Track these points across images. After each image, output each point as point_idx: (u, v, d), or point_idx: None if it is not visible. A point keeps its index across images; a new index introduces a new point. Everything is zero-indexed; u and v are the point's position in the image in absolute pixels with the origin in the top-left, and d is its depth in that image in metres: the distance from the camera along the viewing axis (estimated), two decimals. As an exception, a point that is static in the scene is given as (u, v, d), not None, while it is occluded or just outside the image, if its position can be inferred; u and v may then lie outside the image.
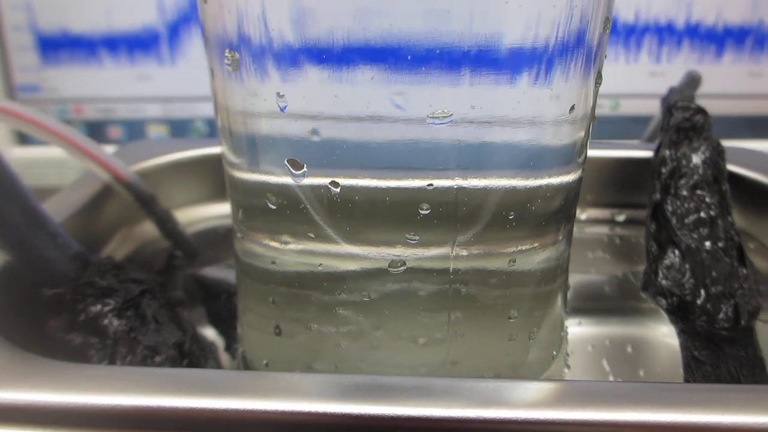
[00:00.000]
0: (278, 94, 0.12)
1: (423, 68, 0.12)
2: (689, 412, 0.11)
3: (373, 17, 0.12)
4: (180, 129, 0.34)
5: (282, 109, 0.12)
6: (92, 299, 0.15)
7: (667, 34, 0.34)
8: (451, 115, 0.12)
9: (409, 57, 0.12)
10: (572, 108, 0.14)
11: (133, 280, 0.16)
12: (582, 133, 0.15)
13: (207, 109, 0.34)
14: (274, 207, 0.14)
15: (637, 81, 0.35)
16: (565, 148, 0.14)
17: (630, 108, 0.35)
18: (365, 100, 0.12)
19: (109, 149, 0.34)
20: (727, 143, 0.36)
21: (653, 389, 0.11)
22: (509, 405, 0.11)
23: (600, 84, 0.15)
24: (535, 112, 0.13)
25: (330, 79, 0.12)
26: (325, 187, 0.13)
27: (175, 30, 0.33)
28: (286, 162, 0.13)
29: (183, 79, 0.33)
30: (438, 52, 0.12)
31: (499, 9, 0.11)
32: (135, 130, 0.34)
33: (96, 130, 0.35)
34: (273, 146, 0.13)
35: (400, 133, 0.13)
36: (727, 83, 0.35)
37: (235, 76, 0.13)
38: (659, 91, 0.34)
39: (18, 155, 0.34)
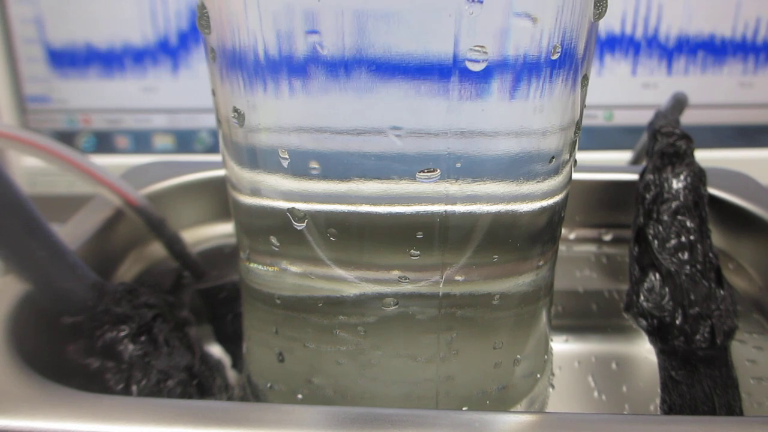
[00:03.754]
0: (280, 151, 0.13)
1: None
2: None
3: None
4: (185, 139, 0.35)
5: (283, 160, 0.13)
6: (108, 326, 0.16)
7: (659, 46, 0.35)
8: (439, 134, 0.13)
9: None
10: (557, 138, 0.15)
11: (146, 304, 0.17)
12: (563, 159, 0.15)
13: (211, 121, 0.35)
14: (275, 242, 0.15)
15: (630, 92, 0.36)
16: (547, 173, 0.15)
17: (623, 119, 0.36)
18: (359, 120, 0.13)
19: (117, 159, 0.35)
20: (717, 154, 0.37)
21: (616, 420, 0.12)
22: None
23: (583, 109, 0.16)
24: (520, 128, 0.14)
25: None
26: (323, 223, 0.14)
27: (181, 44, 0.34)
28: (286, 212, 0.14)
29: (188, 92, 0.34)
30: (427, 71, 0.13)
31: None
32: (141, 140, 0.35)
33: (104, 140, 0.36)
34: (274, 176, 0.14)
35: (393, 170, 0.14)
36: (718, 94, 0.36)
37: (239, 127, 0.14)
38: (652, 102, 0.36)
39: (29, 164, 0.35)
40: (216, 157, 0.33)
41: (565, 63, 0.14)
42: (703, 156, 0.36)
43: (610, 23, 0.35)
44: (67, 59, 0.34)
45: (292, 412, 0.12)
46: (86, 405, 0.13)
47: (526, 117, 0.14)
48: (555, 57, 0.13)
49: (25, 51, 0.34)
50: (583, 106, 0.16)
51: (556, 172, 0.15)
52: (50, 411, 0.12)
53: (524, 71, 0.13)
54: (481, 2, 0.12)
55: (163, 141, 0.35)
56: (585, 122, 0.36)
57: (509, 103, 0.13)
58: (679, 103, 0.24)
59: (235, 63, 0.13)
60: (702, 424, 0.13)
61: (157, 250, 0.21)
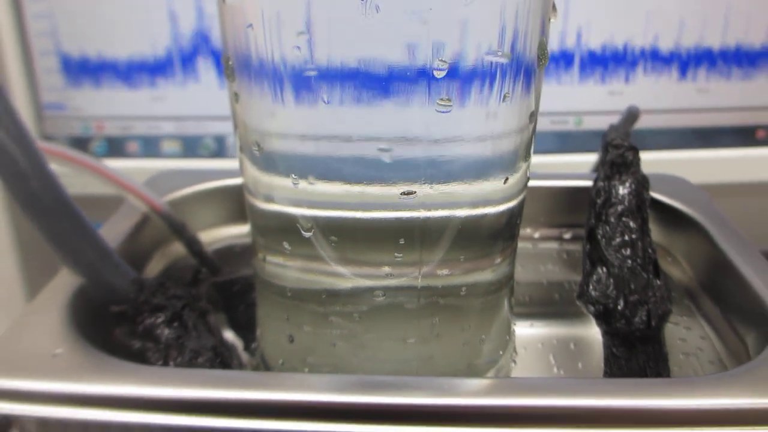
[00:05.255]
0: (293, 178, 0.16)
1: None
2: (593, 399, 0.15)
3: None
4: (191, 144, 0.38)
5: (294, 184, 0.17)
6: (147, 314, 0.19)
7: (623, 57, 0.39)
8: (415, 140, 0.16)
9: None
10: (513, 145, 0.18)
11: (175, 296, 0.20)
12: (516, 172, 0.19)
13: (215, 127, 0.38)
14: (287, 246, 0.18)
15: (597, 100, 0.39)
16: (502, 183, 0.18)
17: (592, 124, 0.39)
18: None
19: (127, 163, 0.38)
20: (675, 154, 0.40)
21: (562, 382, 0.16)
22: (459, 395, 0.15)
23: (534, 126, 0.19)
24: (482, 134, 0.17)
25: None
26: (324, 229, 0.17)
27: (188, 57, 0.37)
28: (297, 224, 0.17)
29: (194, 101, 0.38)
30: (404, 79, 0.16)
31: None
32: (151, 145, 0.39)
33: (115, 145, 0.39)
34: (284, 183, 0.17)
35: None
36: (678, 99, 0.40)
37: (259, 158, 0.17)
38: (617, 108, 0.39)
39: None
40: (224, 165, 0.36)
41: (519, 75, 0.17)
42: (661, 157, 0.39)
43: (584, 38, 0.38)
44: (81, 70, 0.37)
45: (305, 379, 0.16)
46: (138, 373, 0.16)
47: (488, 124, 0.17)
48: (510, 69, 0.16)
49: (42, 62, 0.37)
50: (535, 117, 0.19)
51: (513, 174, 0.18)
52: (110, 377, 0.16)
53: (483, 82, 0.16)
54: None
55: (170, 146, 0.39)
56: (558, 127, 0.40)
57: (472, 111, 0.16)
58: (631, 116, 0.28)
59: (253, 107, 0.16)
60: (628, 385, 0.16)
61: (178, 249, 0.24)
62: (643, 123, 0.40)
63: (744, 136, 0.41)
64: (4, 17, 0.36)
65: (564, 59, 0.39)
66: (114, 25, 0.37)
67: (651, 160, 0.39)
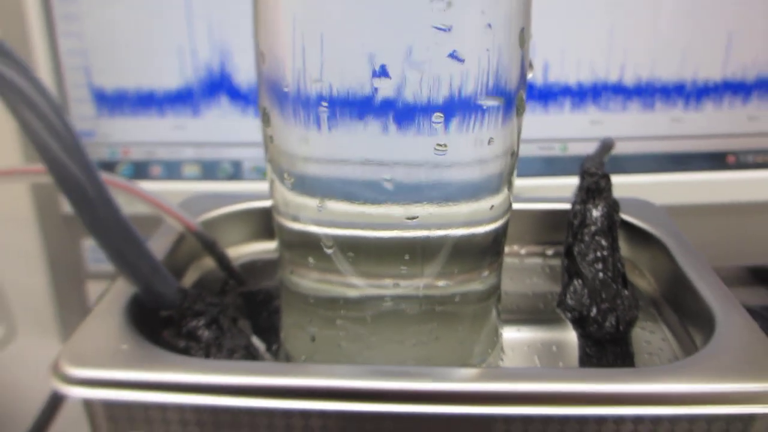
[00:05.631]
0: (317, 200, 0.20)
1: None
2: (570, 383, 0.19)
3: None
4: (210, 168, 0.42)
5: (319, 209, 0.20)
6: (190, 318, 0.22)
7: (604, 90, 0.42)
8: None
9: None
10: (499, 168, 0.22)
11: (212, 303, 0.24)
12: (505, 190, 0.22)
13: (232, 153, 0.42)
14: (312, 260, 0.21)
15: (580, 128, 0.43)
16: (489, 207, 0.22)
17: (576, 149, 0.43)
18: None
19: (151, 185, 0.41)
20: (653, 178, 0.43)
21: (544, 372, 0.19)
22: (454, 380, 0.19)
23: (516, 157, 0.23)
24: (473, 159, 0.20)
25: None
26: (342, 244, 0.21)
27: (207, 90, 0.40)
28: (320, 242, 0.21)
29: (212, 129, 0.41)
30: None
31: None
32: (172, 169, 0.42)
33: (140, 168, 0.42)
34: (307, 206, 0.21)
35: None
36: (654, 127, 0.43)
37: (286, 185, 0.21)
38: (598, 135, 0.43)
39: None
40: (241, 188, 0.39)
41: (502, 123, 0.21)
42: (639, 180, 0.43)
43: (565, 72, 0.42)
44: (110, 101, 0.41)
45: (324, 368, 0.19)
46: (189, 364, 0.19)
47: (477, 162, 0.20)
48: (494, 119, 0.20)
49: (74, 94, 0.41)
50: (516, 155, 0.23)
51: (498, 200, 0.22)
52: (167, 368, 0.19)
53: (472, 130, 0.20)
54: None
55: (190, 170, 0.42)
56: (545, 153, 0.43)
57: (463, 153, 0.20)
58: (605, 147, 0.31)
59: (284, 143, 0.20)
60: (596, 374, 0.20)
61: (209, 263, 0.27)
62: (622, 149, 0.44)
63: (715, 161, 0.44)
64: (41, 54, 0.39)
65: (551, 92, 0.42)
66: (140, 61, 0.40)
67: (630, 183, 0.43)
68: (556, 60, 0.41)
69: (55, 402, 0.37)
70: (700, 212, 0.45)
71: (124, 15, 0.39)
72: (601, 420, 0.18)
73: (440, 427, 0.19)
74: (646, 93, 0.43)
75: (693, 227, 0.45)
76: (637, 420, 0.18)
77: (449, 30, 0.17)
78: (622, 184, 0.42)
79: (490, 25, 0.17)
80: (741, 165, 0.45)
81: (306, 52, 0.18)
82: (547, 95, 0.42)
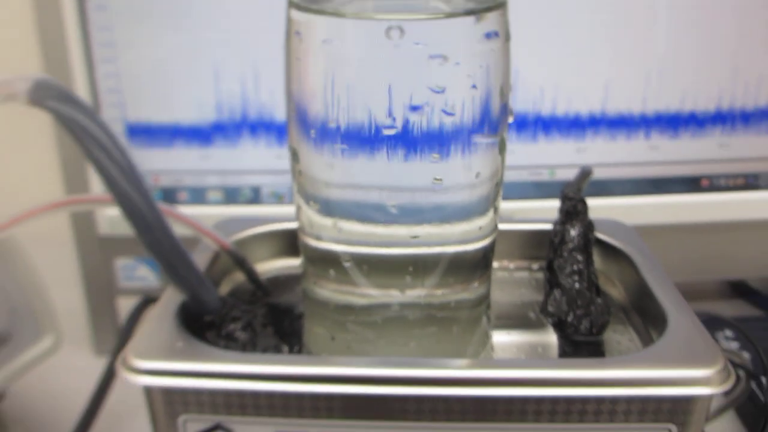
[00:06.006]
0: (337, 228, 0.24)
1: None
2: (551, 370, 0.23)
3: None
4: (231, 194, 0.46)
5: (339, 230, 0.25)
6: (229, 322, 0.27)
7: (588, 121, 0.47)
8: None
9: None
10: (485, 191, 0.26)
11: (245, 311, 0.28)
12: (491, 213, 0.26)
13: (251, 180, 0.46)
14: (332, 273, 0.26)
15: (566, 155, 0.47)
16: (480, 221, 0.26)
17: (563, 175, 0.47)
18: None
19: (184, 209, 0.45)
20: (633, 200, 0.48)
21: (528, 362, 0.24)
22: (451, 368, 0.23)
23: (500, 190, 0.27)
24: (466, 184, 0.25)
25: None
26: (358, 259, 0.25)
27: (230, 124, 0.45)
28: (339, 257, 0.25)
29: (234, 159, 0.46)
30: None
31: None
32: (197, 194, 0.47)
33: (168, 194, 0.47)
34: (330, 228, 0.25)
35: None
36: (633, 153, 0.48)
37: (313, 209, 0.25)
38: (583, 161, 0.47)
39: (111, 213, 0.46)
40: (262, 212, 0.44)
41: (488, 161, 0.25)
42: (620, 202, 0.47)
43: (552, 104, 0.46)
44: (142, 133, 0.46)
45: (346, 359, 0.23)
46: (235, 357, 0.24)
47: (466, 192, 0.25)
48: (481, 158, 0.25)
49: (111, 127, 0.45)
50: (501, 185, 0.27)
51: (486, 222, 0.26)
52: (217, 360, 0.23)
53: (464, 167, 0.24)
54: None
55: (214, 195, 0.47)
56: (535, 178, 0.48)
57: (455, 184, 0.24)
58: (584, 174, 0.36)
59: (310, 175, 0.24)
60: (565, 363, 0.24)
61: (239, 277, 0.32)
62: (606, 174, 0.48)
63: (691, 184, 0.49)
64: (84, 93, 0.44)
65: (540, 123, 0.47)
66: (169, 98, 0.45)
67: (613, 205, 0.48)
68: (545, 95, 0.46)
69: (94, 408, 0.41)
70: (678, 231, 0.49)
71: (155, 58, 0.44)
72: (570, 400, 0.23)
73: (438, 405, 0.23)
74: (626, 124, 0.47)
75: (672, 245, 0.49)
76: (599, 400, 0.23)
77: (443, 91, 0.22)
78: (606, 205, 0.47)
79: (474, 86, 0.22)
80: (714, 188, 0.49)
81: (329, 104, 0.23)
82: (536, 126, 0.47)
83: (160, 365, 0.23)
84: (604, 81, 0.46)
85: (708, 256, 0.50)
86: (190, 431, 0.24)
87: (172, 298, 0.27)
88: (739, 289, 0.59)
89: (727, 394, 0.41)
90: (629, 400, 0.23)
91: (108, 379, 0.43)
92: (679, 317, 0.25)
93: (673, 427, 0.23)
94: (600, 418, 0.23)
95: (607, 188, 0.48)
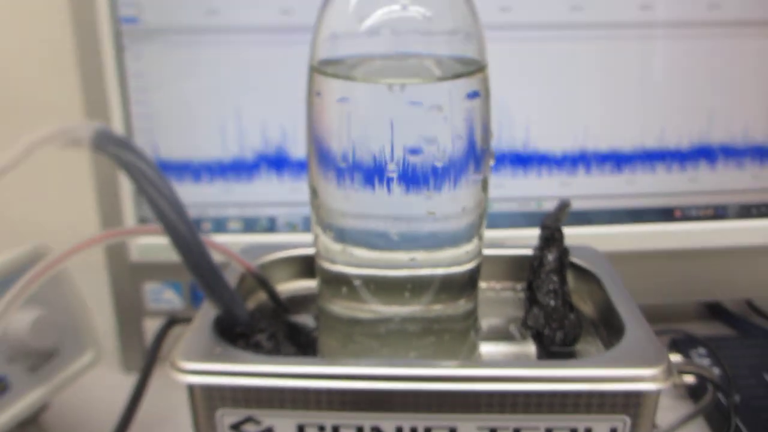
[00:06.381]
0: (351, 255, 0.29)
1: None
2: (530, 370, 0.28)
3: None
4: (250, 224, 0.52)
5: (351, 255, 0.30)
6: (256, 333, 0.32)
7: (570, 158, 0.52)
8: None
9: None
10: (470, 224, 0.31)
11: (270, 323, 0.33)
12: (476, 241, 0.31)
13: (268, 211, 0.51)
14: (344, 291, 0.31)
15: (552, 188, 0.52)
16: (467, 247, 0.31)
17: (549, 206, 0.53)
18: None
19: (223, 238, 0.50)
20: (612, 228, 0.53)
21: (506, 362, 0.28)
22: (445, 368, 0.28)
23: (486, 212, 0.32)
24: (455, 212, 0.30)
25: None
26: (365, 279, 0.30)
27: (249, 162, 0.50)
28: (350, 278, 0.30)
29: (253, 193, 0.51)
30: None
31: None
32: (219, 224, 0.52)
33: (195, 224, 0.52)
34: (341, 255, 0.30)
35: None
36: (612, 187, 0.53)
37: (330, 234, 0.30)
38: (567, 194, 0.52)
39: (143, 241, 0.51)
40: (278, 239, 0.49)
41: (472, 199, 0.30)
42: (600, 230, 0.52)
43: (535, 143, 0.52)
44: (171, 169, 0.51)
45: (356, 360, 0.28)
46: (265, 360, 0.28)
47: (455, 221, 0.30)
48: (467, 196, 0.30)
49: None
50: (485, 216, 0.32)
51: (471, 248, 0.31)
52: (250, 362, 0.28)
53: (452, 203, 0.29)
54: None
55: (234, 225, 0.52)
56: (523, 209, 0.53)
57: (445, 216, 0.30)
58: (562, 206, 0.40)
59: (327, 207, 0.30)
60: (543, 364, 0.29)
61: (262, 296, 0.37)
62: (587, 205, 0.53)
63: (665, 215, 0.54)
64: (119, 131, 0.49)
65: (528, 160, 0.52)
66: (196, 138, 0.50)
67: (594, 233, 0.53)
68: (533, 134, 0.51)
69: (127, 418, 0.46)
70: (653, 257, 0.54)
71: (182, 102, 0.50)
72: (541, 394, 0.27)
73: (432, 399, 0.28)
74: (604, 160, 0.52)
75: (648, 270, 0.54)
76: (565, 394, 0.27)
77: (434, 139, 0.27)
78: (588, 233, 0.52)
79: (460, 136, 0.27)
80: (686, 218, 0.54)
81: (343, 149, 0.28)
82: (525, 162, 0.52)
83: (201, 366, 0.28)
84: (585, 123, 0.51)
85: (681, 280, 0.55)
86: (225, 423, 0.29)
87: (208, 312, 0.31)
88: (716, 311, 0.64)
89: (696, 402, 0.46)
90: (590, 394, 0.27)
91: (139, 392, 0.47)
92: (635, 328, 0.30)
93: (627, 419, 0.28)
94: (566, 409, 0.27)
95: (589, 218, 0.53)
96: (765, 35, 0.50)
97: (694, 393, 0.48)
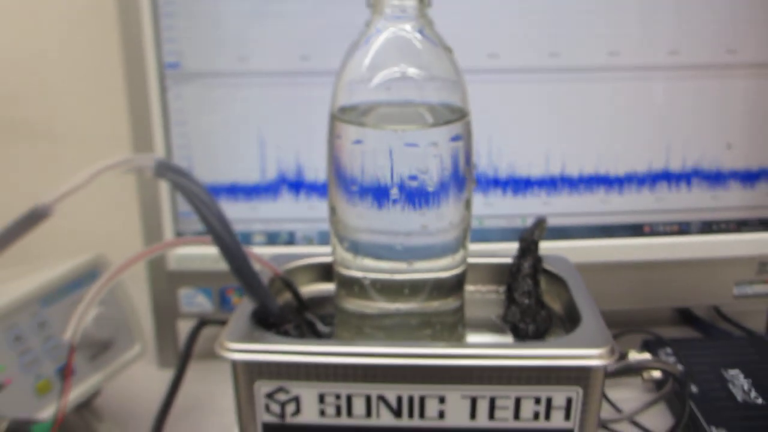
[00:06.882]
0: (362, 262, 0.37)
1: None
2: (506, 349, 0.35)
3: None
4: (272, 237, 0.59)
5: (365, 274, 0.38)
6: (285, 323, 0.39)
7: (551, 181, 0.60)
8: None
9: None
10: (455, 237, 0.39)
11: (296, 317, 0.40)
12: (462, 251, 0.39)
13: (288, 226, 0.59)
14: (356, 290, 0.39)
15: (535, 207, 0.60)
16: (455, 256, 0.39)
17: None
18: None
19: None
20: (587, 242, 0.60)
21: (483, 344, 0.36)
22: (433, 348, 0.35)
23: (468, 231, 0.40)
24: (444, 226, 0.38)
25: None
26: (373, 281, 0.38)
27: (272, 184, 0.58)
28: (361, 279, 0.38)
29: (276, 210, 0.59)
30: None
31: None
32: (246, 238, 0.60)
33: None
34: (354, 262, 0.38)
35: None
36: (588, 206, 0.61)
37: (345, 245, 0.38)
38: (549, 212, 0.60)
39: (181, 252, 0.59)
40: (299, 251, 0.56)
41: (458, 220, 0.38)
42: (577, 244, 0.60)
43: (520, 167, 0.59)
44: (203, 190, 0.59)
45: (367, 342, 0.36)
46: (297, 342, 0.36)
47: (445, 235, 0.38)
48: (453, 216, 0.38)
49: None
50: (469, 227, 0.40)
51: (458, 257, 0.39)
52: (285, 344, 0.36)
53: (441, 212, 0.37)
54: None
55: (259, 238, 0.60)
56: (510, 225, 0.61)
57: (437, 231, 0.37)
58: (538, 222, 0.48)
59: (342, 224, 0.37)
60: (511, 345, 0.36)
61: (287, 295, 0.44)
62: (567, 222, 0.61)
63: (635, 230, 0.61)
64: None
65: (514, 182, 0.60)
66: (226, 163, 0.58)
67: (572, 247, 0.60)
68: (518, 162, 0.59)
69: (167, 405, 0.53)
70: (625, 268, 0.61)
71: (215, 133, 0.58)
72: (510, 368, 0.35)
73: (425, 372, 0.35)
74: (581, 183, 0.60)
75: (620, 279, 0.62)
76: (531, 368, 0.35)
77: (427, 171, 0.35)
78: (567, 247, 0.60)
79: (446, 168, 0.35)
80: (654, 233, 0.62)
81: (357, 177, 0.36)
82: (511, 185, 0.60)
83: (243, 347, 0.36)
84: (564, 152, 0.59)
85: (650, 288, 0.63)
86: (262, 392, 0.36)
87: (247, 306, 0.39)
88: (686, 317, 0.71)
89: (659, 390, 0.53)
90: (549, 368, 0.35)
91: (176, 383, 0.55)
92: (589, 320, 0.38)
93: (579, 389, 0.35)
94: (531, 381, 0.35)
95: (568, 233, 0.61)
96: (715, 77, 0.58)
97: (660, 386, 0.56)
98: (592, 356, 0.35)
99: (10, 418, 0.41)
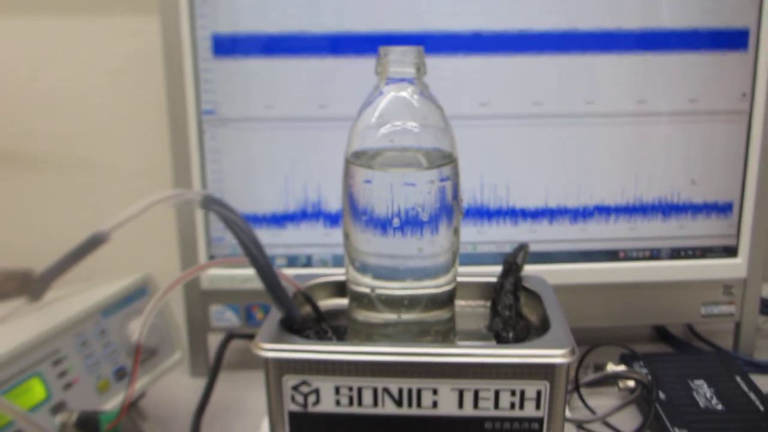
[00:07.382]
0: (370, 280, 0.46)
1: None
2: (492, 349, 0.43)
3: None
4: (292, 260, 0.68)
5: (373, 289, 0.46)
6: (307, 330, 0.48)
7: (535, 212, 0.68)
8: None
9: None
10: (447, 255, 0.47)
11: (314, 325, 0.49)
12: (452, 270, 0.48)
13: (305, 251, 0.68)
14: (365, 302, 0.47)
15: (522, 234, 0.68)
16: (446, 275, 0.48)
17: (520, 248, 0.68)
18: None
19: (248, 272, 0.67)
20: (568, 266, 0.69)
21: (467, 345, 0.44)
22: (428, 348, 0.43)
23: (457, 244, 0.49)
24: (439, 250, 0.46)
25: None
26: (378, 296, 0.46)
27: (292, 214, 0.67)
28: (370, 294, 0.46)
29: (295, 237, 0.67)
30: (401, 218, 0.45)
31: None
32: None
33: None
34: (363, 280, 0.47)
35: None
36: (569, 234, 0.69)
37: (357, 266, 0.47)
38: (532, 239, 0.68)
39: (213, 272, 0.68)
40: (314, 271, 0.65)
41: (449, 244, 0.46)
42: (560, 267, 0.68)
43: (512, 199, 0.68)
44: (233, 219, 0.68)
45: (376, 344, 0.44)
46: (320, 343, 0.44)
47: (437, 258, 0.46)
48: (444, 241, 0.46)
49: (213, 216, 0.68)
50: (458, 250, 0.48)
51: (450, 276, 0.47)
52: (312, 345, 0.44)
53: (435, 247, 0.46)
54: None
55: (280, 261, 0.68)
56: (500, 250, 0.70)
57: (431, 254, 0.46)
58: (520, 247, 0.56)
59: (354, 248, 0.46)
60: (489, 346, 0.44)
61: (307, 308, 0.53)
62: (549, 248, 0.69)
63: (611, 255, 0.70)
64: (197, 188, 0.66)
65: (504, 212, 0.68)
66: (253, 195, 0.67)
67: (553, 270, 0.68)
68: (508, 195, 0.68)
69: (202, 407, 0.61)
70: (602, 289, 0.69)
71: (242, 169, 0.67)
72: (488, 365, 0.43)
73: (422, 367, 0.43)
74: (563, 213, 0.68)
75: (598, 300, 0.70)
76: (505, 365, 0.43)
77: (422, 204, 0.43)
78: (549, 270, 0.68)
79: (438, 201, 0.44)
80: (628, 258, 0.70)
81: (366, 209, 0.45)
82: (501, 215, 0.68)
83: (274, 346, 0.44)
84: (547, 186, 0.68)
85: (625, 308, 0.70)
86: (289, 385, 0.44)
87: (275, 316, 0.48)
88: (662, 334, 0.79)
89: (631, 393, 0.61)
90: (521, 365, 0.43)
91: (209, 390, 0.63)
92: (557, 328, 0.46)
93: (547, 383, 0.43)
94: (507, 376, 0.43)
95: (550, 258, 0.69)
96: (679, 122, 0.66)
97: (633, 394, 0.63)
98: (556, 356, 0.43)
99: (79, 410, 0.49)
